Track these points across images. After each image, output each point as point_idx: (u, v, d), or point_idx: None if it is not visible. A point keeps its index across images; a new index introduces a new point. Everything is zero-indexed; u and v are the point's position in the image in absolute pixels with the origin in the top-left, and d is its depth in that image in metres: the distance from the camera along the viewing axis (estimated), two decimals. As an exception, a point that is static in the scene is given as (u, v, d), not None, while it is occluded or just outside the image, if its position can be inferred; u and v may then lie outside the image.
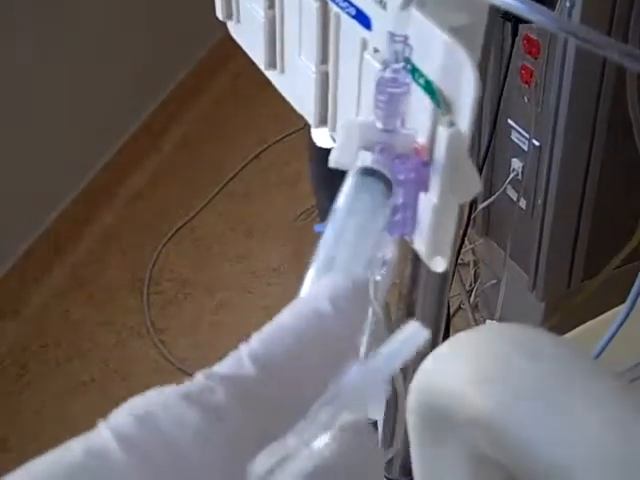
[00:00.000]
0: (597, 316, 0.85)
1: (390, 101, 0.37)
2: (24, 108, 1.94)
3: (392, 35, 0.36)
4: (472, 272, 1.88)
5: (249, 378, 0.27)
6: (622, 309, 0.74)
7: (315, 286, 0.30)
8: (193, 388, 0.26)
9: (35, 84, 1.95)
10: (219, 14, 0.61)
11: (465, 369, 0.37)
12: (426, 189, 0.40)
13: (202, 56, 2.45)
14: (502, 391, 0.35)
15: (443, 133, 0.37)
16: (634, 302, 0.72)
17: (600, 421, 0.32)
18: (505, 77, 1.34)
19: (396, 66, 0.37)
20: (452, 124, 0.37)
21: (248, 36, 0.58)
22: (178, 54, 2.43)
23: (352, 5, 0.43)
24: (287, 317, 0.28)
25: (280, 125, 2.29)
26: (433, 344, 0.73)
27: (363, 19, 0.42)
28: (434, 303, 0.67)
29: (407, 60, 0.37)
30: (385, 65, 0.37)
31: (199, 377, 0.27)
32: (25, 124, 1.95)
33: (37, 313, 1.99)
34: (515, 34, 1.30)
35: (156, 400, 0.26)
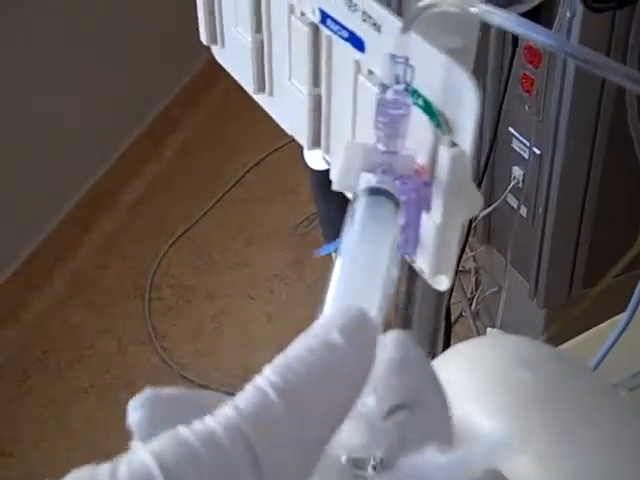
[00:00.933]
0: (598, 324, 0.86)
1: (391, 123, 0.37)
2: (25, 114, 1.94)
3: (393, 57, 0.37)
4: (473, 280, 1.89)
5: (279, 414, 0.26)
6: (622, 317, 0.74)
7: (325, 317, 0.30)
8: (222, 435, 0.25)
9: (36, 91, 1.95)
10: (203, 39, 0.61)
11: (463, 380, 0.37)
12: (428, 209, 0.40)
13: (204, 63, 2.46)
14: (498, 403, 0.35)
15: (445, 154, 0.37)
16: (634, 310, 0.72)
17: (597, 435, 0.32)
18: (506, 86, 1.34)
19: (397, 87, 0.37)
20: (454, 144, 0.37)
21: (234, 60, 0.58)
22: (181, 61, 2.43)
23: (344, 28, 0.43)
24: (298, 349, 0.28)
25: (280, 133, 2.27)
26: (431, 355, 0.73)
27: (356, 42, 0.42)
28: (431, 317, 0.68)
29: (406, 82, 0.37)
30: (384, 87, 0.37)
31: (226, 415, 0.26)
32: (26, 131, 1.95)
33: (38, 319, 1.99)
34: (516, 44, 1.30)
35: (185, 454, 0.25)
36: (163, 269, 2.10)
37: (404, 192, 0.39)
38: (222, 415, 0.26)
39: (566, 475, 0.32)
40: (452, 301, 1.38)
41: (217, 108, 2.53)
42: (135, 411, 0.29)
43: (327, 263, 1.78)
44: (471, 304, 1.82)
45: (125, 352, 1.92)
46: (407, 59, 0.36)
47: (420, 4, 0.35)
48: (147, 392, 0.29)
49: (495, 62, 1.40)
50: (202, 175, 2.34)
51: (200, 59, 2.46)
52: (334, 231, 0.77)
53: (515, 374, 0.35)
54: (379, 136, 0.38)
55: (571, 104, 1.29)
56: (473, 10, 0.35)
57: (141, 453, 0.25)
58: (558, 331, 1.58)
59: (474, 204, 0.39)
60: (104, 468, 0.25)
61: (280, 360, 0.27)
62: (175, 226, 2.19)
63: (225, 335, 1.95)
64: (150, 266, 2.10)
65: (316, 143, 0.47)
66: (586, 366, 0.71)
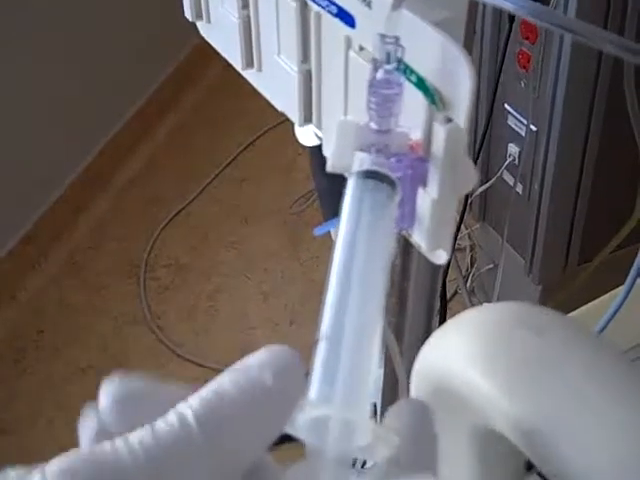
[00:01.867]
0: (594, 300, 0.86)
1: (384, 102, 0.37)
2: (19, 96, 1.93)
3: (383, 37, 0.36)
4: (469, 257, 1.89)
5: (199, 445, 0.27)
6: (620, 291, 0.74)
7: (259, 354, 0.30)
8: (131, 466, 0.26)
9: (29, 72, 1.94)
10: (188, 15, 0.60)
11: (468, 347, 0.37)
12: (424, 184, 0.39)
13: (196, 43, 2.44)
14: (505, 366, 0.35)
15: (440, 129, 0.37)
16: (632, 284, 0.72)
17: (601, 394, 0.32)
18: (502, 62, 1.33)
19: (388, 67, 0.37)
20: (449, 120, 0.37)
21: (220, 36, 0.57)
22: (173, 40, 2.41)
23: (333, 4, 0.42)
24: (229, 385, 0.28)
25: (275, 112, 2.27)
26: (427, 330, 0.73)
27: (346, 17, 0.42)
28: (426, 291, 0.68)
29: (399, 59, 0.37)
30: (376, 66, 0.37)
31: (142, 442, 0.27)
32: (20, 111, 1.94)
33: (34, 299, 1.99)
34: (512, 19, 1.29)
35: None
36: (158, 249, 2.10)
37: (399, 169, 0.38)
38: (138, 442, 0.26)
39: (576, 436, 0.32)
40: (447, 278, 1.38)
41: (210, 87, 2.52)
42: (103, 397, 0.30)
43: (322, 242, 1.78)
44: (466, 281, 1.82)
45: (121, 332, 1.92)
46: (397, 38, 0.36)
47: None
48: (116, 381, 0.29)
49: (491, 38, 1.39)
50: (196, 154, 2.33)
51: (193, 40, 2.45)
52: (333, 207, 0.77)
53: (520, 338, 0.35)
54: (372, 115, 0.38)
55: (567, 80, 1.28)
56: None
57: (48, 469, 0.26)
58: (554, 307, 1.58)
59: (469, 179, 0.39)
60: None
61: (207, 392, 0.28)
62: (170, 206, 2.19)
63: (220, 314, 1.95)
64: (145, 246, 2.09)
65: (307, 119, 0.47)
66: (593, 331, 0.71)
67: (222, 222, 2.16)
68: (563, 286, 1.59)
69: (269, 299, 1.97)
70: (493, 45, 1.39)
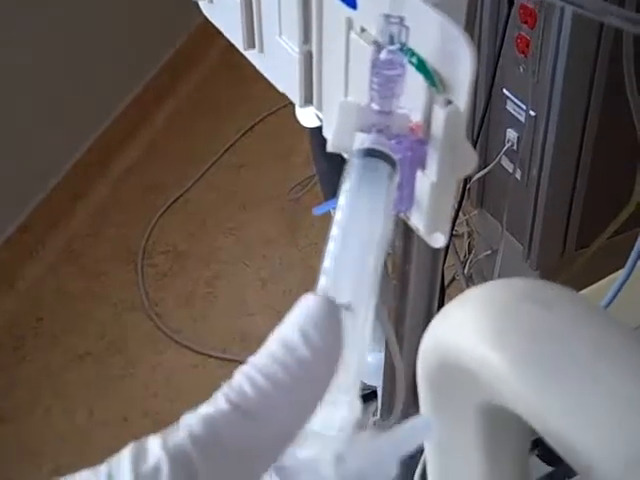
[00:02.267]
0: (591, 284, 0.86)
1: (386, 83, 0.37)
2: (15, 83, 1.92)
3: (388, 17, 0.36)
4: (466, 243, 1.89)
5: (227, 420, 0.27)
6: (618, 275, 0.74)
7: (292, 312, 0.30)
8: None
9: (26, 59, 1.94)
10: None
11: (476, 322, 0.37)
12: (423, 167, 0.39)
13: (194, 28, 2.43)
14: (514, 340, 0.35)
15: (440, 112, 0.37)
16: (632, 268, 0.72)
17: (610, 369, 0.32)
18: (501, 47, 1.33)
19: (392, 48, 0.36)
20: (449, 102, 0.37)
21: (223, 16, 0.57)
22: (171, 26, 2.41)
23: None
24: (270, 362, 0.28)
25: (273, 97, 2.26)
26: (428, 313, 0.73)
27: None
28: (428, 273, 0.68)
29: (401, 42, 0.37)
30: (379, 47, 0.37)
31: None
32: (17, 98, 1.94)
33: (32, 287, 1.99)
34: (511, 3, 1.29)
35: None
36: (156, 236, 2.10)
37: (399, 150, 0.38)
38: (175, 435, 0.27)
39: (585, 411, 0.32)
40: (445, 265, 1.38)
41: (208, 73, 2.51)
42: None
43: (320, 228, 1.78)
44: (464, 267, 1.82)
45: (119, 319, 1.92)
46: (402, 19, 0.36)
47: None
48: None
49: (490, 23, 1.39)
50: (194, 141, 2.33)
51: (190, 26, 2.44)
52: (333, 189, 0.77)
53: (529, 312, 0.35)
54: (373, 96, 0.38)
55: (566, 65, 1.28)
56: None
57: None
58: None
59: (469, 162, 0.39)
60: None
61: (249, 371, 0.28)
62: (168, 192, 2.19)
63: (219, 300, 1.95)
64: (143, 233, 2.09)
65: (308, 100, 0.47)
66: (601, 306, 0.71)
67: (220, 208, 2.15)
68: (561, 271, 1.59)
69: (267, 285, 1.97)
70: (492, 30, 1.38)
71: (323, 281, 0.33)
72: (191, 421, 0.27)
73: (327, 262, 0.34)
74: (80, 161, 2.16)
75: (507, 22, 1.29)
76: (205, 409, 0.27)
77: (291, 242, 2.05)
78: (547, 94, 1.33)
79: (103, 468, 0.27)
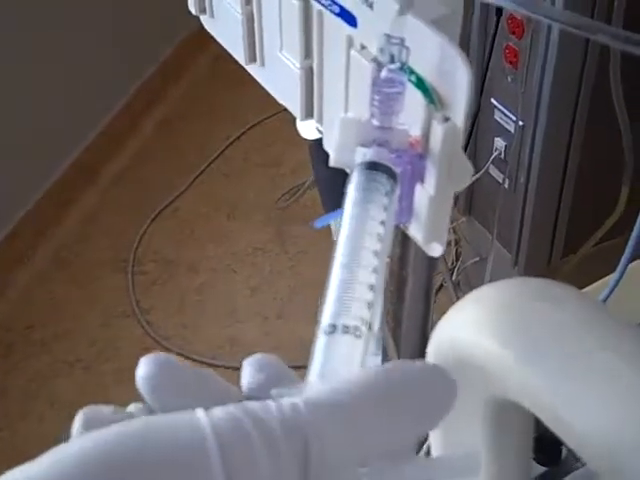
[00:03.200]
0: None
1: (386, 100, 0.38)
2: (3, 91, 1.93)
3: (389, 37, 0.37)
4: (454, 251, 1.90)
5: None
6: (610, 279, 0.75)
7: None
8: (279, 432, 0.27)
9: (12, 68, 1.94)
10: (192, 8, 0.61)
11: (488, 319, 0.38)
12: (422, 180, 0.41)
13: (183, 37, 2.45)
14: (526, 337, 0.36)
15: (438, 128, 0.38)
16: (622, 273, 0.74)
17: (618, 361, 0.33)
18: (489, 57, 1.35)
19: (392, 67, 0.38)
20: (446, 119, 0.38)
21: (224, 31, 0.58)
22: (160, 35, 2.42)
23: (335, 3, 0.43)
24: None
25: (262, 106, 2.29)
26: (424, 317, 0.75)
27: (348, 17, 0.43)
28: (424, 279, 0.69)
29: (402, 61, 0.38)
30: (379, 64, 0.38)
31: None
32: (6, 105, 1.94)
33: (22, 294, 1.99)
34: (499, 14, 1.31)
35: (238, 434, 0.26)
36: (146, 243, 2.10)
37: (399, 164, 0.40)
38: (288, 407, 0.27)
39: (593, 406, 0.33)
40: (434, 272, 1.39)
41: (197, 81, 2.52)
42: (145, 366, 0.30)
43: (309, 236, 1.79)
44: (452, 274, 1.84)
45: (109, 326, 1.92)
46: (403, 40, 0.37)
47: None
48: (160, 355, 0.30)
49: (478, 33, 1.40)
50: (183, 149, 2.34)
51: (179, 35, 2.45)
52: (332, 196, 0.78)
53: (539, 309, 0.36)
54: (374, 112, 0.39)
55: (554, 75, 1.30)
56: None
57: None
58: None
59: (465, 176, 0.40)
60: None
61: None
62: (157, 200, 2.19)
63: (208, 308, 1.96)
64: (133, 240, 2.10)
65: (309, 114, 0.48)
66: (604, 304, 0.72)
67: (209, 216, 2.17)
68: (548, 278, 1.60)
69: (257, 293, 1.98)
70: (480, 40, 1.40)
71: (331, 301, 0.34)
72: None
73: (334, 279, 0.35)
74: (70, 168, 2.16)
75: (496, 33, 1.31)
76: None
77: (280, 250, 2.07)
78: (534, 104, 1.35)
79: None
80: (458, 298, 1.41)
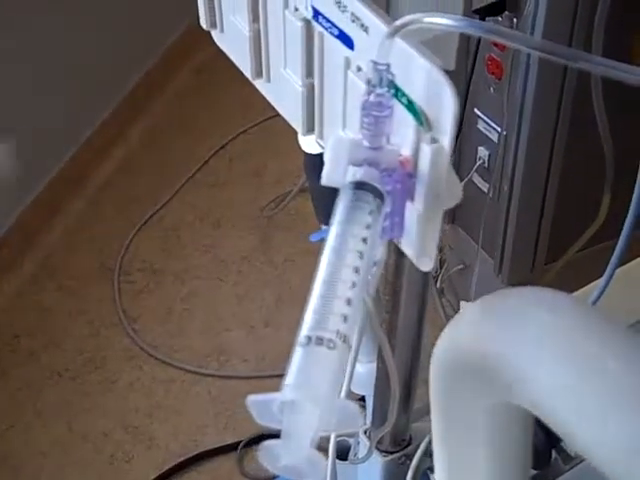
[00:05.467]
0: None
1: (375, 123, 0.40)
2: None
3: (375, 63, 0.39)
4: (438, 258, 1.92)
5: None
6: (597, 285, 0.77)
7: None
8: None
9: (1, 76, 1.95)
10: (203, 24, 0.63)
11: (498, 326, 0.39)
12: (412, 198, 0.43)
13: (167, 48, 2.46)
14: (533, 346, 0.37)
15: (426, 149, 0.40)
16: (610, 277, 0.76)
17: (616, 363, 0.34)
18: (472, 68, 1.37)
19: (380, 91, 0.40)
20: (434, 140, 0.40)
21: (233, 46, 0.60)
22: (145, 45, 2.43)
23: (335, 26, 0.45)
24: None
25: (246, 116, 2.31)
26: (419, 325, 0.77)
27: (346, 39, 0.45)
28: (419, 287, 0.71)
29: (391, 82, 0.40)
30: (369, 90, 0.40)
31: None
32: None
33: (9, 303, 1.99)
34: (481, 26, 1.33)
35: None
36: (132, 252, 2.11)
37: (389, 183, 0.42)
38: None
39: (599, 410, 0.34)
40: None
41: (182, 91, 2.53)
42: None
43: (295, 245, 1.80)
44: (436, 282, 1.86)
45: (97, 335, 1.93)
46: (389, 66, 0.39)
47: (403, 20, 0.37)
48: None
49: (461, 45, 1.42)
50: (168, 159, 2.35)
51: (163, 45, 2.46)
52: (327, 209, 0.80)
53: (546, 318, 0.37)
54: (364, 134, 0.41)
55: (536, 86, 1.32)
56: (449, 24, 0.37)
57: None
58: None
59: (454, 195, 0.42)
60: None
61: None
62: (143, 209, 2.20)
63: (195, 317, 1.97)
64: (119, 249, 2.11)
65: (310, 129, 0.50)
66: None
67: (195, 225, 2.18)
68: (531, 285, 1.62)
69: (243, 302, 1.99)
70: (463, 51, 1.42)
71: (310, 314, 0.36)
72: None
73: (314, 293, 0.36)
74: (56, 177, 2.17)
75: (479, 44, 1.33)
76: None
77: (266, 259, 2.08)
78: (517, 114, 1.37)
79: None
80: (443, 305, 1.42)
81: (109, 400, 1.80)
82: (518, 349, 0.38)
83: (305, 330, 0.35)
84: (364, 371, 1.03)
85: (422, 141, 0.40)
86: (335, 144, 0.41)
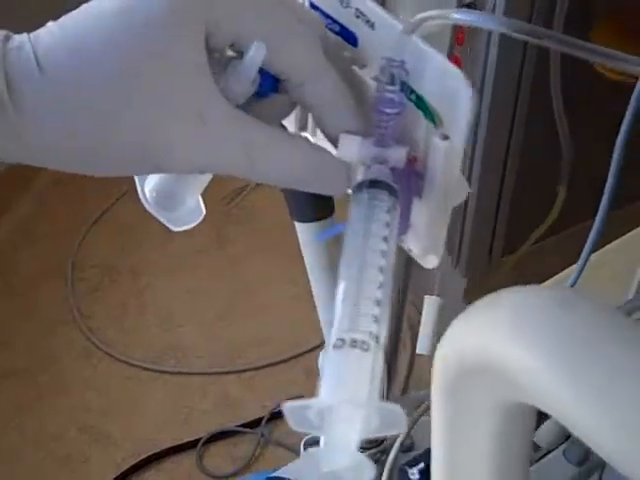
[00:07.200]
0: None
1: (386, 120, 0.40)
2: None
3: (389, 60, 0.39)
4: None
5: None
6: (571, 272, 0.78)
7: None
8: None
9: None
10: None
11: (510, 324, 0.39)
12: (419, 195, 0.42)
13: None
14: (549, 342, 0.37)
15: (438, 146, 0.40)
16: (584, 265, 0.76)
17: (635, 364, 0.34)
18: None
19: (392, 88, 0.39)
20: (446, 137, 0.40)
21: None
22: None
23: (335, 22, 0.45)
24: None
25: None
26: (398, 320, 0.76)
27: (348, 36, 0.44)
28: (399, 282, 0.71)
29: (402, 81, 0.40)
30: (381, 87, 0.40)
31: None
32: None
33: (-42, 304, 1.96)
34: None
35: None
36: (85, 249, 2.08)
37: (397, 181, 0.41)
38: None
39: (615, 403, 0.34)
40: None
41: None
42: None
43: (249, 239, 1.78)
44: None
45: (50, 333, 1.90)
46: (403, 63, 0.39)
47: (422, 15, 0.37)
48: None
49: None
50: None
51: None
52: (299, 204, 0.79)
53: (561, 316, 0.37)
54: (374, 131, 0.40)
55: (494, 80, 1.33)
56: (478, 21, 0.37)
57: None
58: (480, 297, 1.63)
59: (462, 191, 0.42)
60: None
61: None
62: (95, 205, 2.17)
63: (150, 313, 1.95)
64: (72, 246, 2.08)
65: (303, 127, 0.49)
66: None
67: (148, 221, 2.12)
68: (488, 277, 1.64)
69: (197, 296, 1.98)
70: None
71: (339, 316, 0.35)
72: None
73: (342, 295, 0.36)
74: (5, 175, 2.13)
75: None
76: None
77: (220, 253, 2.07)
78: (476, 109, 1.38)
79: None
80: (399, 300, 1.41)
81: (63, 400, 1.77)
82: (531, 348, 0.38)
83: (337, 332, 0.34)
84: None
85: (433, 138, 0.40)
86: (344, 141, 0.41)
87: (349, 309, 0.35)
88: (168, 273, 2.03)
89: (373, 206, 0.38)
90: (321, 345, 1.85)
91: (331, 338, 0.34)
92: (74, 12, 0.37)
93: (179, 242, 2.09)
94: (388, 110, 0.39)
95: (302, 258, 0.84)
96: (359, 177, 0.40)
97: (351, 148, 0.40)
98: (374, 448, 0.87)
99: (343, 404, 0.32)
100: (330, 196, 0.87)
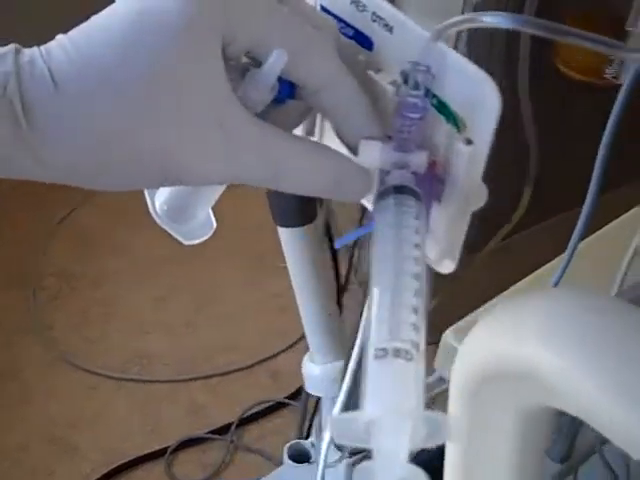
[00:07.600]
0: (485, 288, 0.89)
1: (409, 125, 0.39)
2: None
3: (415, 64, 0.38)
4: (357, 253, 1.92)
5: None
6: (558, 264, 0.77)
7: None
8: None
9: None
10: None
11: (530, 328, 0.39)
12: (439, 200, 0.42)
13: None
14: (577, 345, 0.36)
15: (462, 150, 0.39)
16: (571, 256, 0.76)
17: None
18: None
19: (416, 93, 0.39)
20: (469, 142, 0.39)
21: None
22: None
23: (349, 26, 0.44)
24: None
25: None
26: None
27: (363, 40, 0.43)
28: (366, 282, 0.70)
29: (427, 88, 0.39)
30: (402, 91, 0.39)
31: None
32: None
33: None
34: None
35: None
36: (45, 257, 2.05)
37: (418, 186, 0.40)
38: None
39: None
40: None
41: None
42: None
43: (215, 247, 1.76)
44: (356, 275, 1.86)
45: (11, 344, 1.86)
46: (429, 68, 0.38)
47: (450, 21, 0.36)
48: None
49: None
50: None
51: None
52: (283, 210, 0.79)
53: (588, 319, 0.37)
54: (396, 136, 0.40)
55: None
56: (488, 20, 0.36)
57: None
58: (448, 295, 1.64)
59: (481, 196, 0.42)
60: None
61: None
62: (55, 212, 2.14)
63: (113, 321, 1.92)
64: (32, 254, 2.04)
65: (310, 132, 0.48)
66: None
67: (110, 228, 2.12)
68: (455, 275, 1.65)
69: (162, 304, 1.96)
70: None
71: (378, 325, 0.35)
72: None
73: (379, 303, 0.35)
74: (-41, 183, 2.08)
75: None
76: None
77: (185, 260, 2.04)
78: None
79: None
80: (366, 297, 1.40)
81: (27, 412, 1.74)
82: (565, 351, 0.38)
83: (377, 342, 0.34)
84: (320, 372, 1.03)
85: (456, 142, 0.39)
86: (364, 147, 0.40)
87: (388, 317, 0.34)
88: (132, 280, 2.00)
89: (402, 212, 0.37)
90: (287, 349, 1.85)
91: (372, 347, 0.33)
92: (84, 25, 0.36)
93: (141, 250, 2.06)
94: (411, 115, 0.39)
95: (266, 263, 0.84)
96: (388, 181, 0.39)
97: (372, 154, 0.39)
98: (364, 452, 0.86)
99: (390, 415, 0.31)
100: (314, 201, 0.86)
